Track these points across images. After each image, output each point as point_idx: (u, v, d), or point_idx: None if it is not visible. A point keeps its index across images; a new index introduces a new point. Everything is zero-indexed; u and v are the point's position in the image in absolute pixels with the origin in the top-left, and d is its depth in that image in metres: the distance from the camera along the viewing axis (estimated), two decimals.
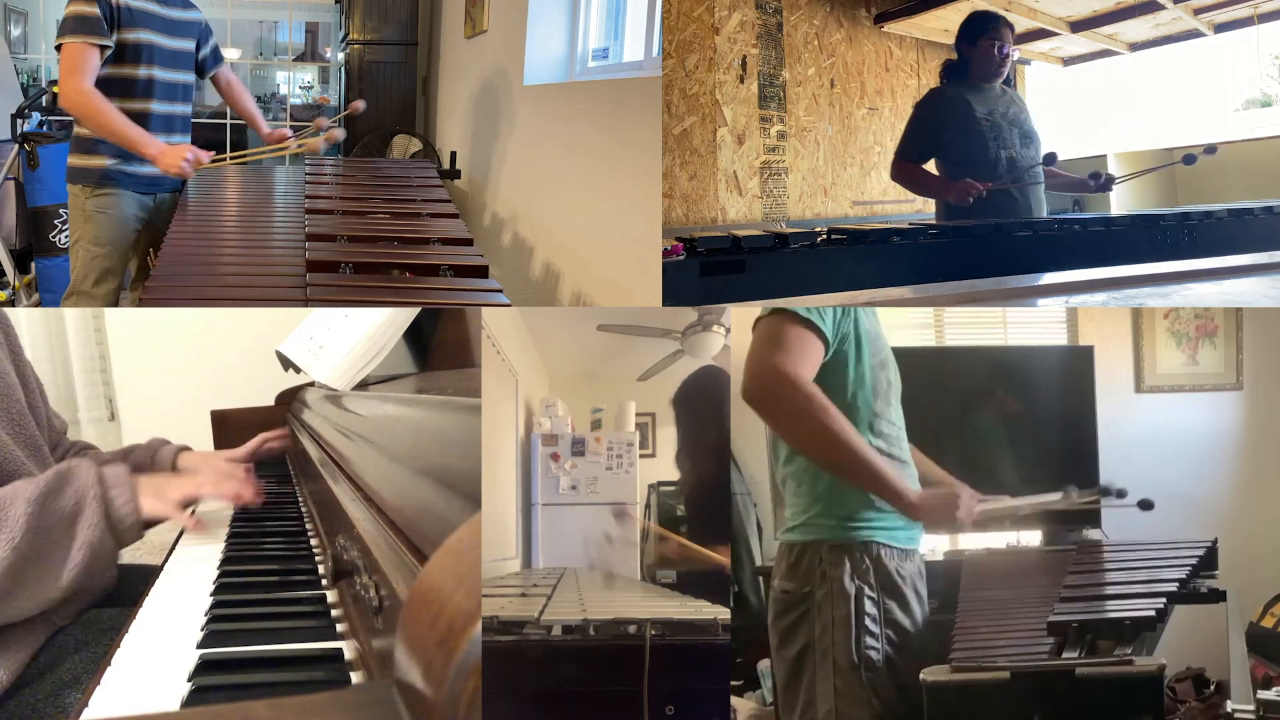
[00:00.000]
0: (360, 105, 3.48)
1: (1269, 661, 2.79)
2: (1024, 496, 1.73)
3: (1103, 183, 3.11)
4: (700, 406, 2.61)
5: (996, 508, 1.61)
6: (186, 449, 2.20)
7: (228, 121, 6.58)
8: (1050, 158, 3.10)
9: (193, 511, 1.78)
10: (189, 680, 1.06)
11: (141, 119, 2.69)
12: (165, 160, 2.60)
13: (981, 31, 3.04)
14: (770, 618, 1.64)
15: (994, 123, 3.02)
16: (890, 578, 1.57)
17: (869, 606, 1.54)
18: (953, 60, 3.17)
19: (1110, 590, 1.85)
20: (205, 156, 2.67)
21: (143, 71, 2.72)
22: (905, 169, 3.18)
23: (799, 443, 1.53)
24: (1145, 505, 1.89)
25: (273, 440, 2.38)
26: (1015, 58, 3.19)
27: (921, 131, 3.13)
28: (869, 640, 1.54)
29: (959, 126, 3.02)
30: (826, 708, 1.54)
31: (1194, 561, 1.92)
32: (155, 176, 2.74)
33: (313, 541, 1.70)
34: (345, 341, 2.35)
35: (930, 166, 3.14)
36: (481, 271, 2.16)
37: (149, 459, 2.14)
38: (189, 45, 2.89)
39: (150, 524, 1.61)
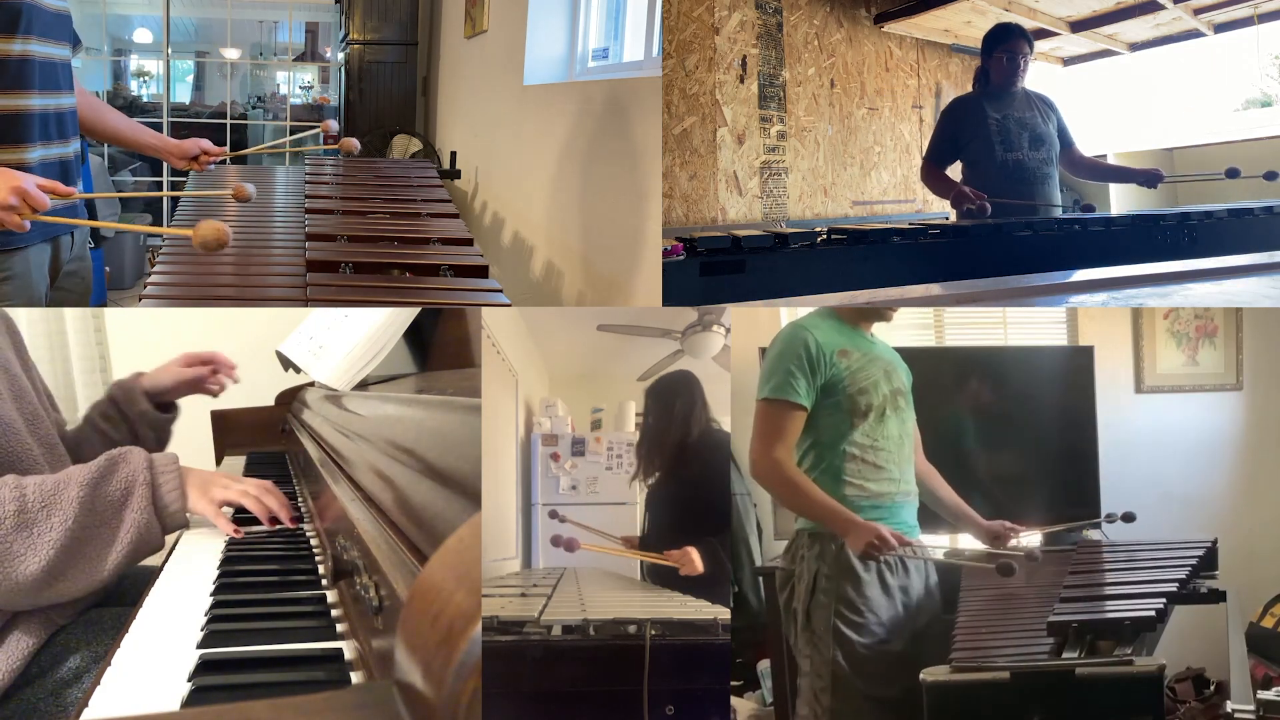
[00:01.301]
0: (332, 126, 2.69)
1: (1269, 661, 2.79)
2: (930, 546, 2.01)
3: (1153, 181, 3.35)
4: (667, 406, 2.65)
5: (911, 548, 1.91)
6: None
7: (228, 120, 6.57)
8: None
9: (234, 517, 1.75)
10: (189, 680, 1.06)
11: (17, 123, 1.86)
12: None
13: (996, 43, 3.29)
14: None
15: (1005, 127, 3.22)
16: (847, 562, 1.86)
17: (823, 582, 1.88)
18: (980, 69, 3.42)
19: (1110, 590, 1.85)
20: (42, 198, 1.72)
21: (17, 46, 1.85)
22: (929, 170, 3.44)
23: (784, 505, 2.05)
24: (1128, 518, 2.24)
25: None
26: (1028, 64, 3.37)
27: (943, 136, 3.40)
28: (818, 611, 1.88)
29: (972, 131, 3.24)
30: (803, 650, 1.94)
31: (1194, 561, 1.92)
32: (68, 208, 1.95)
33: (313, 541, 1.70)
34: (345, 341, 2.36)
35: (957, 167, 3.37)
36: (481, 271, 2.16)
37: (121, 393, 2.15)
38: (63, 3, 1.98)
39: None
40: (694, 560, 2.41)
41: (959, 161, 3.35)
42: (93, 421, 2.11)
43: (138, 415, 2.13)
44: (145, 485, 1.56)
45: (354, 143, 2.74)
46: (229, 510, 1.73)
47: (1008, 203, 3.10)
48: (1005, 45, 3.28)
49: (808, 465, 1.93)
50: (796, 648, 1.95)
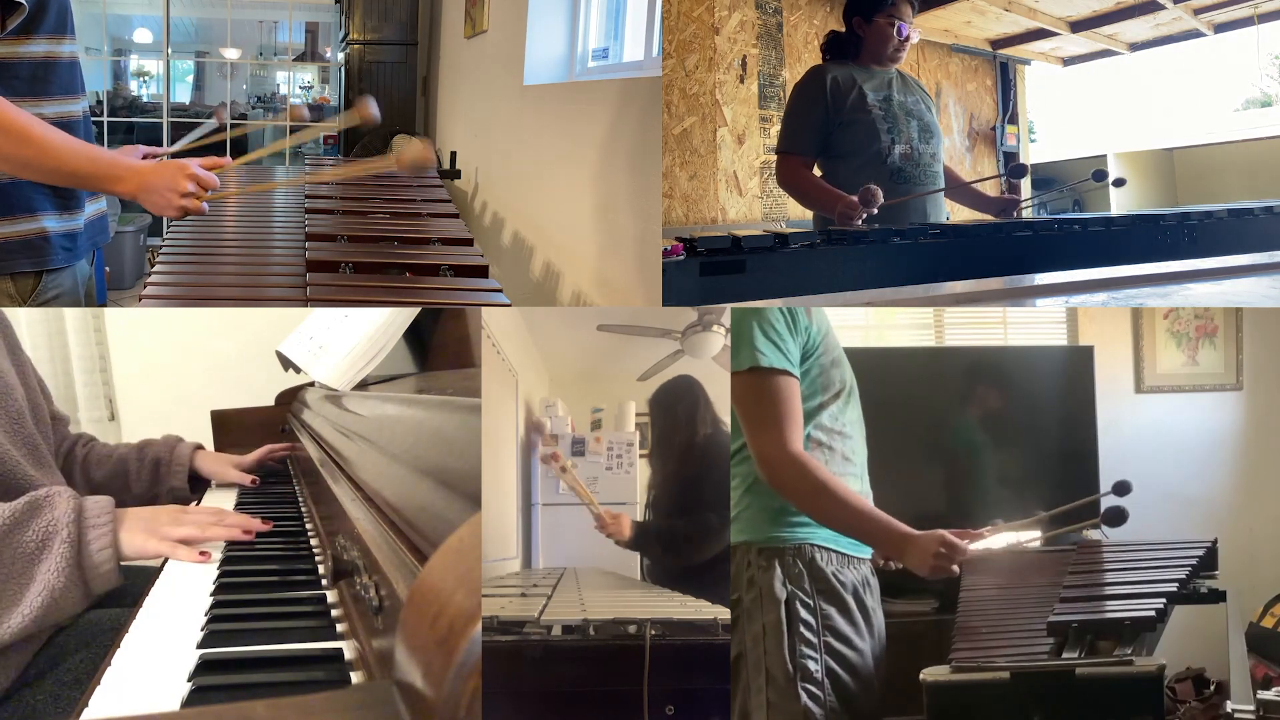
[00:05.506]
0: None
1: (1269, 661, 2.79)
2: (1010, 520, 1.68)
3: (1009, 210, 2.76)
4: (673, 412, 2.66)
5: (988, 537, 1.57)
6: (200, 447, 2.22)
7: (227, 121, 6.57)
8: (1019, 170, 3.15)
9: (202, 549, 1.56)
10: (189, 680, 1.06)
11: (75, 131, 1.68)
12: (161, 197, 1.59)
13: (877, 7, 2.58)
14: None
15: (889, 111, 2.62)
16: (829, 583, 1.47)
17: (803, 613, 1.44)
18: (839, 34, 2.68)
19: (1110, 590, 1.85)
20: (212, 178, 1.67)
21: (67, 48, 1.69)
22: (790, 168, 2.66)
23: (810, 515, 1.50)
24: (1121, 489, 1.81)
25: (279, 452, 2.38)
26: (915, 40, 2.66)
27: (805, 119, 2.64)
28: (805, 650, 1.43)
29: (847, 113, 2.59)
30: (778, 704, 1.45)
31: (1194, 561, 1.92)
32: (102, 218, 1.86)
33: (313, 541, 1.70)
34: (345, 341, 2.36)
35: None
36: (481, 271, 2.17)
37: (168, 454, 2.15)
38: None
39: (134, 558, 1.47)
40: (623, 526, 2.44)
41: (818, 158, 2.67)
42: (126, 460, 2.10)
43: (168, 491, 2.12)
44: (68, 542, 1.31)
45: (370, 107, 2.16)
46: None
47: (897, 200, 2.53)
48: (890, 10, 2.57)
49: None
50: (763, 702, 1.43)
